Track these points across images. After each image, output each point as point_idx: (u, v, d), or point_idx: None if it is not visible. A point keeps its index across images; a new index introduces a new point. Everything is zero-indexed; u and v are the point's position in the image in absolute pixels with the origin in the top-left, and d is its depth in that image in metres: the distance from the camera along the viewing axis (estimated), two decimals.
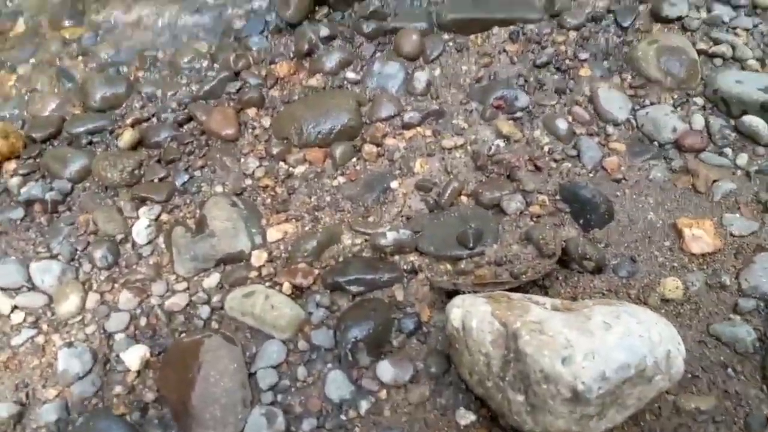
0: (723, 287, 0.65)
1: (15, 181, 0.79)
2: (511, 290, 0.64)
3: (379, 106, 0.83)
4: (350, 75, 0.88)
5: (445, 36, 0.92)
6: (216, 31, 0.99)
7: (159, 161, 0.81)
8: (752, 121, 0.74)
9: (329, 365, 0.63)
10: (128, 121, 0.84)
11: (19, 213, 0.76)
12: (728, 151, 0.75)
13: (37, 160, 0.82)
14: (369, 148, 0.79)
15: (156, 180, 0.79)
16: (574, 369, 0.47)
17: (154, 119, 0.86)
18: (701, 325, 0.63)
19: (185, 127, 0.85)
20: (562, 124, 0.79)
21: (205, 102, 0.88)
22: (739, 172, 0.73)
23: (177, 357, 0.63)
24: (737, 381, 0.60)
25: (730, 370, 0.60)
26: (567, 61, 0.87)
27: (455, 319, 0.57)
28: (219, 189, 0.78)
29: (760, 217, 0.69)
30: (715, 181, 0.72)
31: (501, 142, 0.78)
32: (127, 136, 0.81)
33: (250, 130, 0.84)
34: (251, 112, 0.86)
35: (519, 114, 0.81)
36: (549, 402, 0.48)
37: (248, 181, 0.79)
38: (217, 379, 0.60)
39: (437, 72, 0.88)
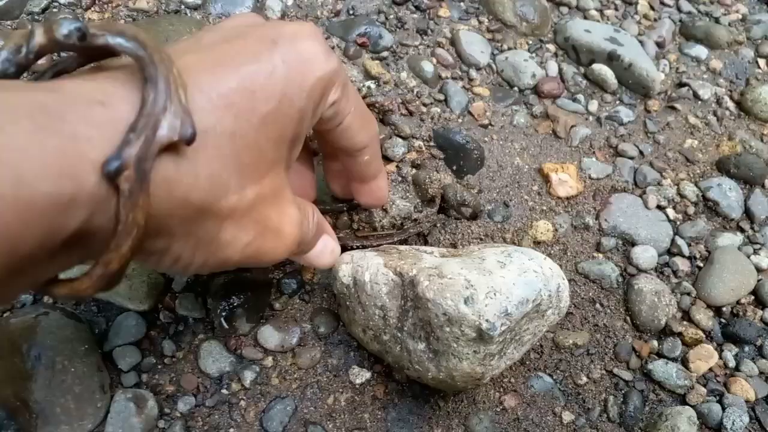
0: (586, 228, 0.68)
1: None
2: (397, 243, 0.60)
3: None
4: None
5: None
6: None
7: None
8: (601, 69, 0.78)
9: (201, 336, 0.54)
10: None
11: None
12: (581, 97, 0.78)
13: None
14: None
15: None
16: (478, 308, 0.44)
17: None
18: (570, 264, 0.65)
19: None
20: (427, 67, 0.76)
21: None
22: (591, 118, 0.77)
23: (3, 344, 0.49)
24: (605, 315, 0.63)
25: (598, 305, 0.63)
26: (425, 0, 0.83)
27: (345, 276, 0.52)
28: None
29: (612, 161, 0.73)
30: (572, 126, 0.75)
31: (372, 84, 0.72)
32: None
33: None
34: None
35: (384, 54, 0.76)
36: (453, 345, 0.46)
37: None
38: (65, 365, 0.48)
39: (290, 1, 0.79)
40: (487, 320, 0.43)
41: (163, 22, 0.72)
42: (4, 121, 0.22)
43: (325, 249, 0.49)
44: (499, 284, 0.45)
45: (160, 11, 0.74)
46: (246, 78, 0.32)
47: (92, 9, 0.72)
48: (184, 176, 0.28)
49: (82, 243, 0.26)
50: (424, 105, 0.73)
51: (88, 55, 0.29)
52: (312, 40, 0.37)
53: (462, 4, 0.85)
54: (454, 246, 0.65)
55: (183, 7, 0.75)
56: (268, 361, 0.54)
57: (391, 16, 0.80)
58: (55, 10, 0.71)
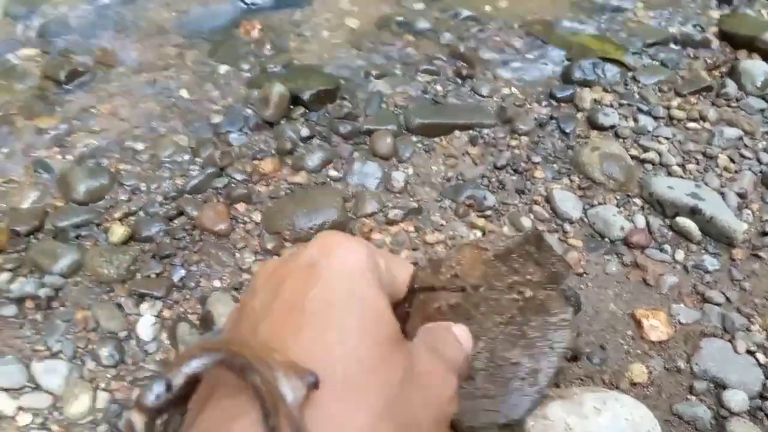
0: (679, 371, 0.75)
1: (3, 276, 0.77)
2: None
3: (363, 203, 0.90)
4: (332, 173, 0.95)
5: (413, 138, 1.02)
6: (194, 125, 1.03)
7: (153, 256, 0.82)
8: (685, 222, 0.88)
9: None
10: (116, 214, 0.85)
11: (11, 310, 0.74)
12: (667, 247, 0.87)
13: (22, 254, 0.80)
14: None
15: (153, 275, 0.80)
16: None
17: (142, 213, 0.88)
18: (665, 405, 0.73)
19: (175, 221, 0.87)
20: (526, 222, 0.89)
21: (192, 196, 0.90)
22: (678, 266, 0.86)
23: None
24: None
25: None
26: (522, 164, 0.98)
27: None
28: (217, 284, 0.80)
29: (700, 307, 0.81)
30: (661, 274, 0.84)
31: (479, 233, 0.86)
32: (120, 231, 0.82)
33: (241, 225, 0.88)
34: (240, 207, 0.89)
35: (488, 212, 0.91)
36: None
37: (245, 276, 0.82)
38: None
39: (410, 171, 0.97)
40: None
41: (312, 192, 0.91)
42: None
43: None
44: (593, 429, 0.55)
45: (311, 183, 0.93)
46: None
47: (260, 183, 0.93)
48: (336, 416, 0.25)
49: None
50: None
51: (184, 396, 0.26)
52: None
53: (555, 165, 0.99)
54: (557, 386, 0.74)
55: (329, 179, 0.94)
56: None
57: (493, 179, 0.96)
58: (233, 185, 0.92)
